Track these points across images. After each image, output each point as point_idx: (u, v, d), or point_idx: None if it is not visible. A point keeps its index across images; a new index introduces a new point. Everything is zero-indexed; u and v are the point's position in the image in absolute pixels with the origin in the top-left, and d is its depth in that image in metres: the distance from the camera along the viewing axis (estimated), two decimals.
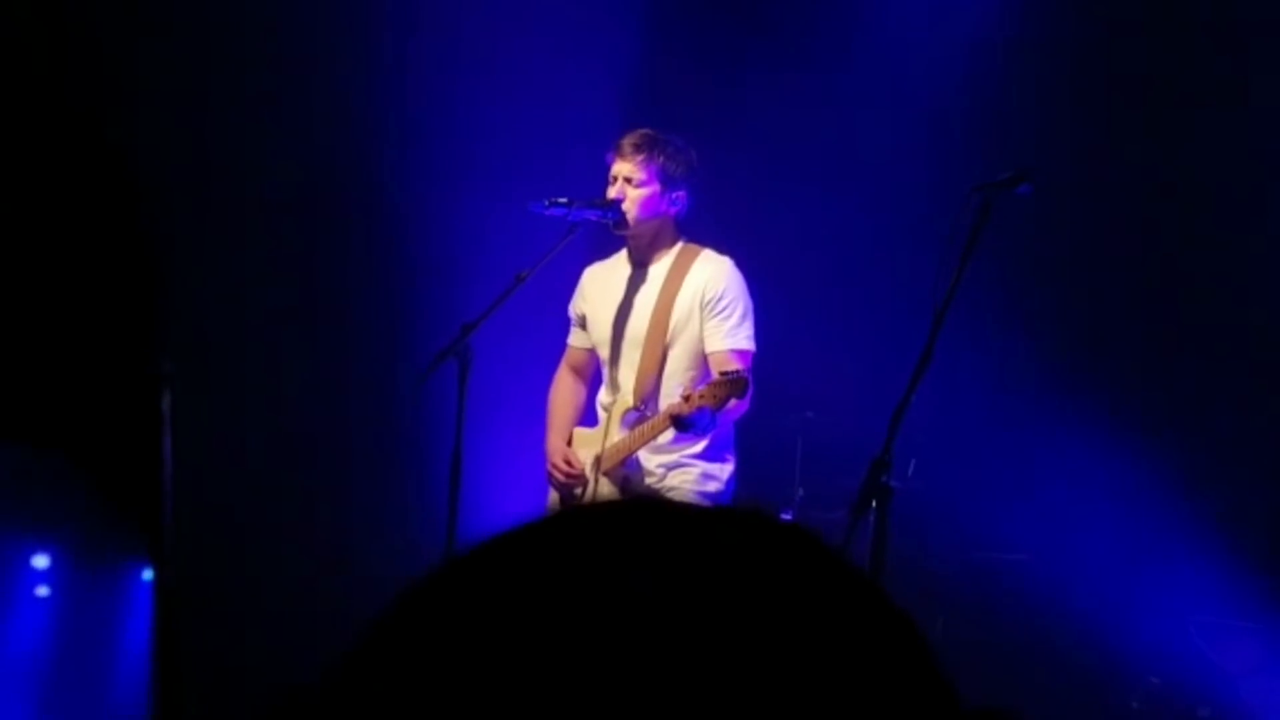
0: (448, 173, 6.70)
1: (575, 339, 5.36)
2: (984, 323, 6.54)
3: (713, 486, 5.10)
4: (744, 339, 5.05)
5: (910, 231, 6.43)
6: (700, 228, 5.29)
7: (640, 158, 5.06)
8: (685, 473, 5.08)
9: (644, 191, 5.08)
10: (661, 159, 5.06)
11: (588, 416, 5.30)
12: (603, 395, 5.24)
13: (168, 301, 6.03)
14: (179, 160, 6.40)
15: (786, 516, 6.47)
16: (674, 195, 5.10)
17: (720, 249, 5.20)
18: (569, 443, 5.21)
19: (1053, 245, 6.81)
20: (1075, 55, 6.82)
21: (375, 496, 6.64)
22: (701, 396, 4.75)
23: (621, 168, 5.09)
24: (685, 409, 4.76)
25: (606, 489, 5.04)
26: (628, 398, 5.10)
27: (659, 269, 5.17)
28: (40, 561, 3.58)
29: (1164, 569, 6.32)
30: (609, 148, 5.13)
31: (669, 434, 4.99)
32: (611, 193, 5.09)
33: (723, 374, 4.79)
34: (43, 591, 3.63)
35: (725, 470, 5.13)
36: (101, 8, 6.31)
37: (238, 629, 6.11)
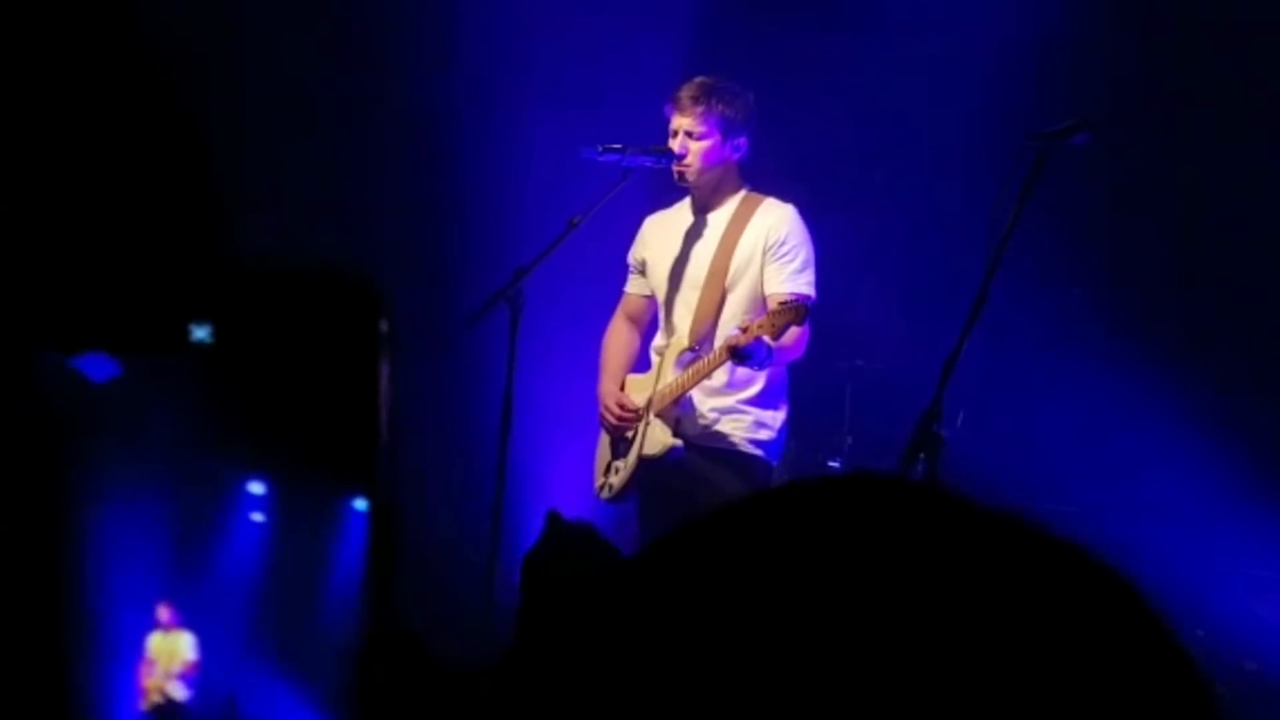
0: (503, 117, 6.71)
1: (633, 286, 5.36)
2: (1039, 271, 6.51)
3: (764, 434, 5.09)
4: (804, 284, 5.02)
5: (965, 179, 6.40)
6: (760, 175, 5.28)
7: (700, 110, 5.04)
8: (738, 419, 5.07)
9: (706, 144, 5.07)
10: (720, 108, 5.04)
11: (641, 364, 5.31)
12: (657, 340, 5.24)
13: None
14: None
15: (835, 465, 6.50)
16: (736, 142, 5.10)
17: (783, 197, 5.19)
18: (622, 388, 5.22)
19: (1114, 193, 6.76)
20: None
21: (425, 443, 6.68)
22: (760, 326, 4.72)
23: (681, 121, 5.08)
24: (742, 340, 4.73)
25: (658, 431, 5.04)
26: (683, 339, 5.09)
27: (722, 215, 5.16)
28: (256, 488, 3.64)
29: (1213, 520, 6.30)
30: (667, 99, 5.12)
31: (723, 376, 4.98)
32: (674, 146, 5.08)
33: (780, 303, 4.77)
34: (258, 517, 3.69)
35: (778, 418, 5.13)
36: None
37: None
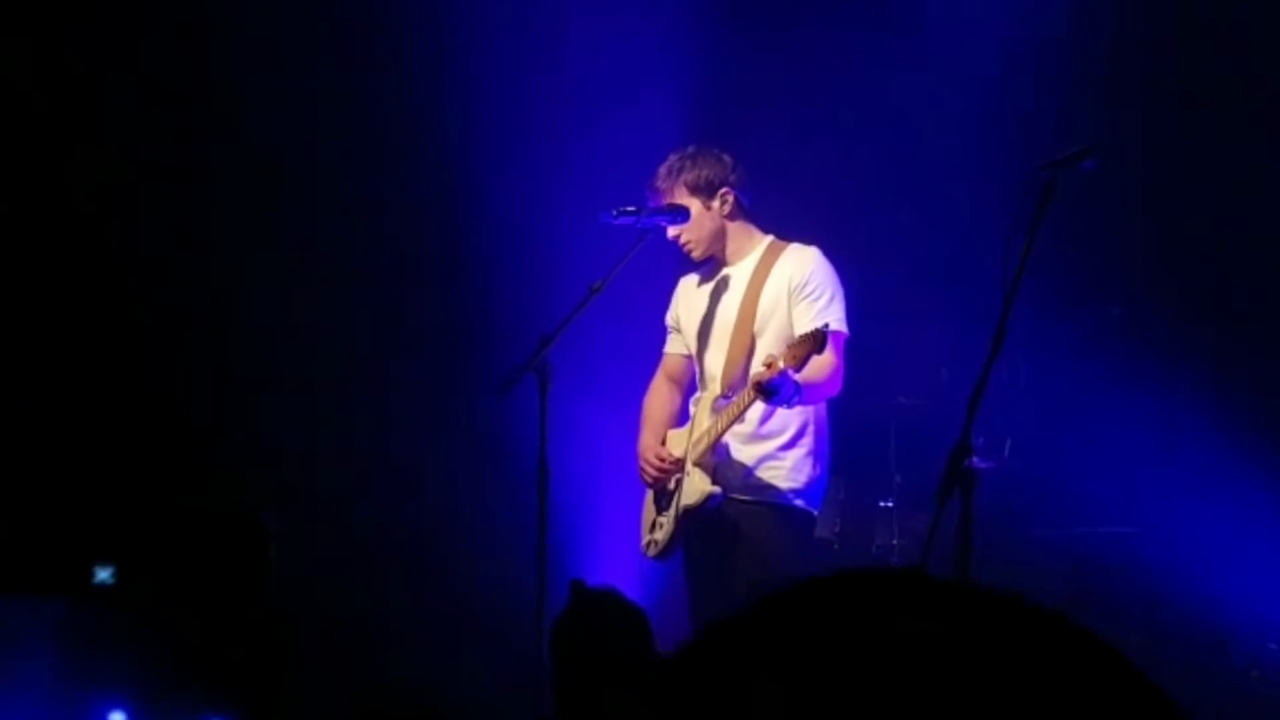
0: (522, 187, 6.78)
1: (671, 345, 5.41)
2: (1077, 295, 6.49)
3: (803, 482, 5.08)
4: (835, 320, 4.98)
5: (994, 210, 6.39)
6: (782, 220, 5.31)
7: (670, 185, 5.18)
8: (775, 467, 5.06)
9: (690, 221, 5.15)
10: (687, 176, 5.15)
11: (682, 421, 5.34)
12: (695, 396, 5.28)
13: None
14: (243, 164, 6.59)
15: (887, 505, 6.47)
16: (717, 199, 5.15)
17: (808, 241, 5.21)
18: (662, 443, 5.23)
19: (1142, 214, 6.73)
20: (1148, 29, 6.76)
21: (465, 519, 6.73)
22: (782, 357, 4.71)
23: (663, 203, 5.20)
24: (766, 374, 4.71)
25: (697, 479, 5.04)
26: (716, 389, 5.12)
27: (747, 265, 5.21)
28: (116, 718, 3.63)
29: (1277, 532, 6.22)
30: (648, 192, 5.22)
31: (756, 420, 4.98)
32: (670, 234, 5.19)
33: (801, 335, 4.77)
34: None
35: (817, 466, 5.12)
36: None
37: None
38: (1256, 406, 6.37)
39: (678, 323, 5.36)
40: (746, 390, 4.88)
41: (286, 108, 6.67)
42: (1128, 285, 6.73)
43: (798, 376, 4.73)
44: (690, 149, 5.22)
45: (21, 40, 6.45)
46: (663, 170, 5.20)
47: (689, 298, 5.34)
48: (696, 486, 5.03)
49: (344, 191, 6.74)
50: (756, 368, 4.97)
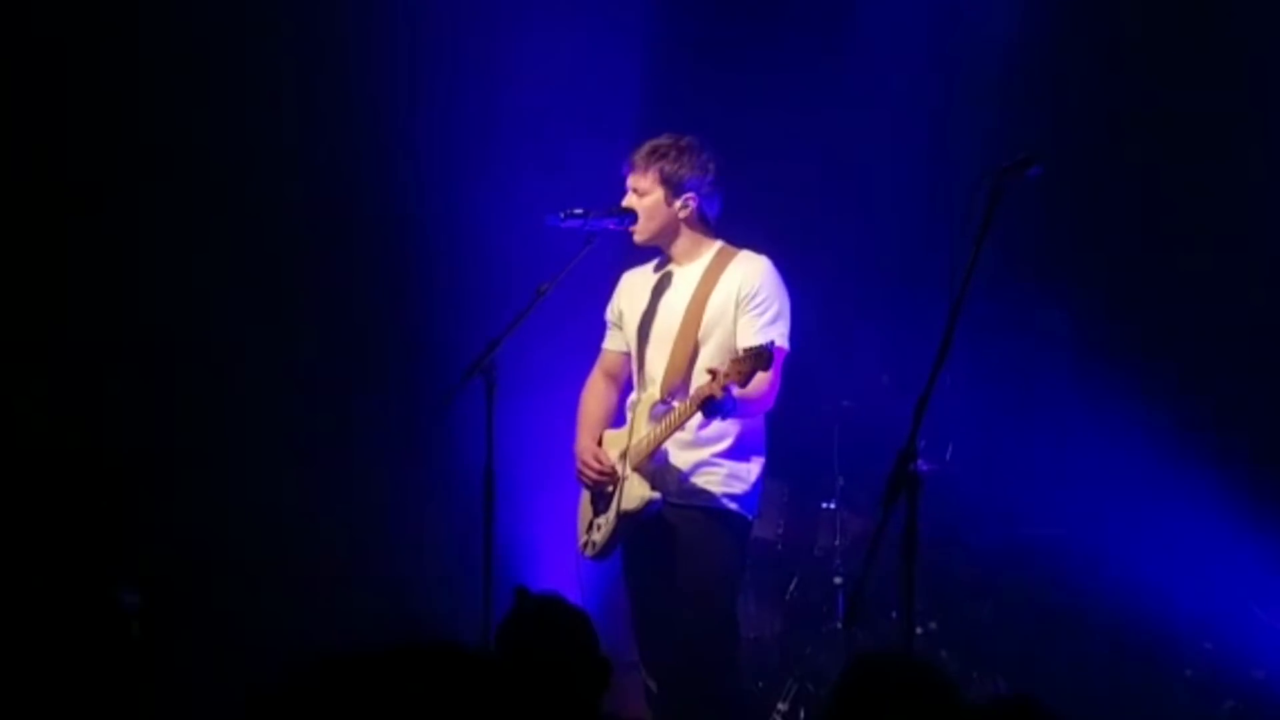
0: (464, 190, 6.78)
1: (610, 342, 5.40)
2: (1016, 303, 6.56)
3: (739, 488, 5.10)
4: (777, 335, 5.02)
5: (939, 216, 6.45)
6: (727, 223, 5.32)
7: (644, 166, 5.15)
8: (711, 474, 5.09)
9: (649, 200, 5.14)
10: (662, 165, 5.12)
11: (618, 420, 5.34)
12: (632, 396, 5.27)
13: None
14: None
15: (830, 506, 6.52)
16: (682, 198, 5.15)
17: (758, 249, 5.22)
18: (599, 443, 5.25)
19: (1077, 222, 6.82)
20: (1084, 32, 6.85)
21: (411, 521, 6.72)
22: (726, 374, 4.73)
23: (632, 180, 5.19)
24: (713, 389, 4.74)
25: (636, 485, 5.05)
26: (655, 392, 5.11)
27: (695, 269, 5.20)
28: None
29: (1211, 534, 6.31)
30: (624, 161, 5.20)
31: (694, 429, 5.00)
32: (625, 202, 5.17)
33: (745, 349, 4.79)
34: None
35: (753, 471, 5.14)
36: None
37: None
38: (1192, 410, 6.46)
39: (619, 319, 5.36)
40: (689, 403, 4.91)
41: (225, 107, 6.63)
42: (1071, 291, 6.81)
43: (738, 393, 4.78)
44: (685, 141, 5.17)
45: None
46: (647, 148, 5.17)
47: (632, 293, 5.32)
48: (636, 493, 5.04)
49: (282, 193, 6.70)
50: (699, 375, 5.00)
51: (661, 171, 5.12)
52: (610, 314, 5.39)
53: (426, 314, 6.75)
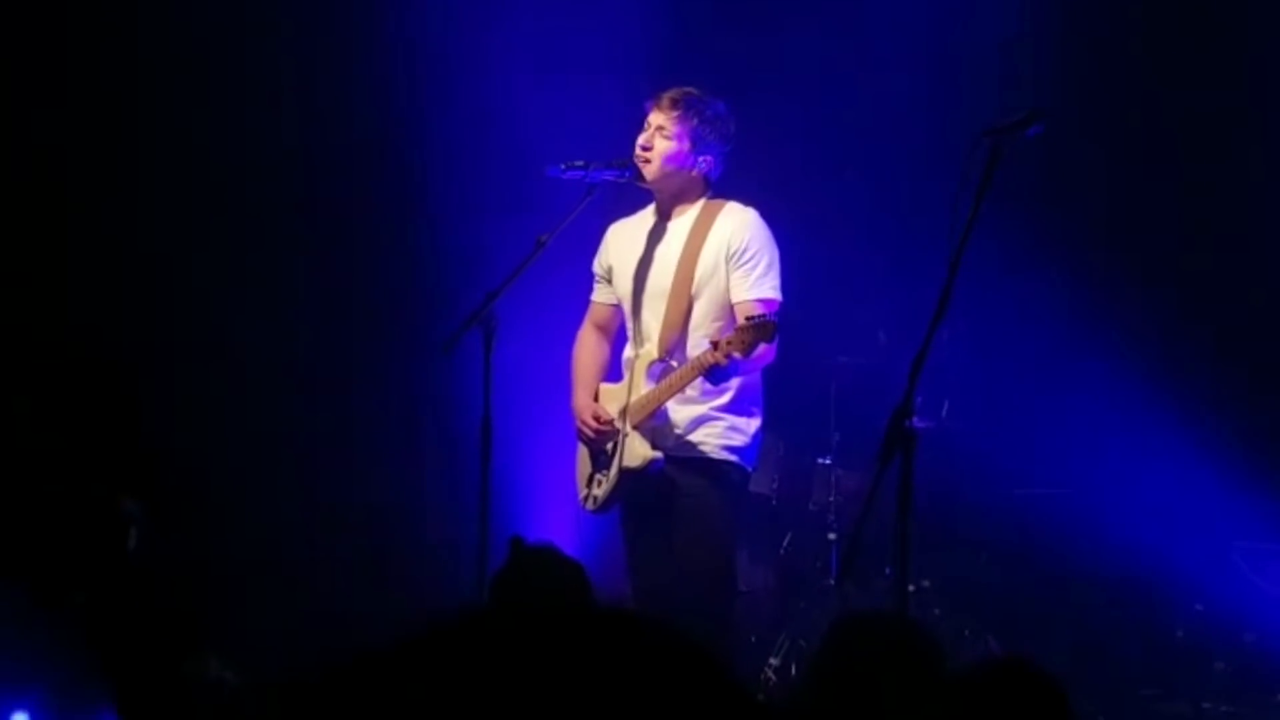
0: (467, 139, 6.76)
1: (599, 294, 5.40)
2: (1015, 261, 6.55)
3: (739, 440, 5.13)
4: (769, 288, 5.06)
5: (937, 174, 6.44)
6: (723, 181, 5.30)
7: (676, 113, 5.10)
8: (712, 426, 5.10)
9: (671, 145, 5.11)
10: (695, 121, 5.10)
11: (612, 373, 5.34)
12: (627, 350, 5.27)
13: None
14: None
15: (825, 462, 6.53)
16: (701, 157, 5.13)
17: (746, 201, 5.22)
18: (595, 398, 5.26)
19: (1076, 181, 6.81)
20: None
21: (408, 470, 6.72)
22: (729, 344, 4.76)
23: (656, 117, 5.13)
24: (715, 358, 4.79)
25: (637, 444, 5.07)
26: (653, 350, 5.12)
27: (684, 222, 5.19)
28: (19, 718, 3.58)
29: (1203, 496, 6.33)
30: (649, 98, 5.17)
31: (696, 385, 5.02)
32: (642, 139, 5.13)
33: (748, 319, 4.81)
34: None
35: (752, 425, 5.16)
36: None
37: None
38: (1192, 373, 6.47)
39: (608, 272, 5.35)
40: (690, 367, 4.94)
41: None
42: (1069, 251, 6.81)
43: (744, 359, 4.82)
44: (719, 107, 5.14)
45: None
46: (676, 95, 5.13)
47: (620, 247, 5.31)
48: (638, 451, 5.06)
49: (280, 144, 6.67)
50: (696, 332, 5.02)
51: (692, 128, 5.09)
52: (598, 267, 5.38)
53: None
